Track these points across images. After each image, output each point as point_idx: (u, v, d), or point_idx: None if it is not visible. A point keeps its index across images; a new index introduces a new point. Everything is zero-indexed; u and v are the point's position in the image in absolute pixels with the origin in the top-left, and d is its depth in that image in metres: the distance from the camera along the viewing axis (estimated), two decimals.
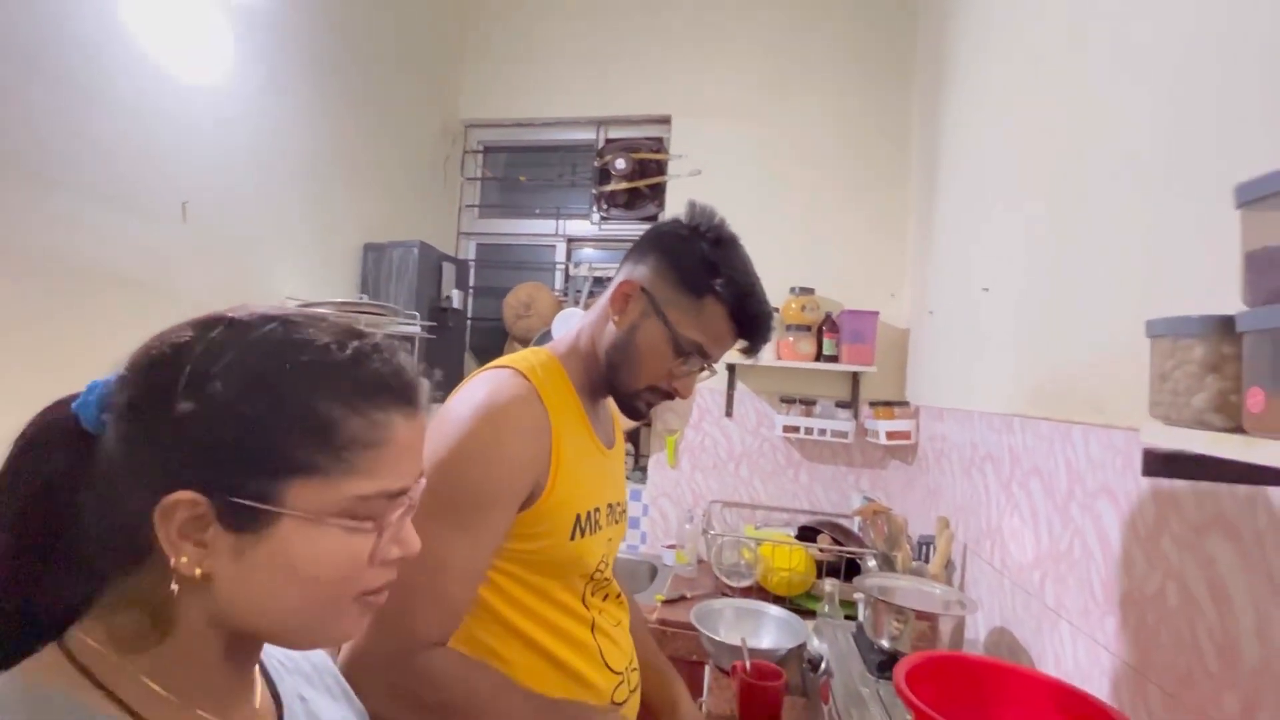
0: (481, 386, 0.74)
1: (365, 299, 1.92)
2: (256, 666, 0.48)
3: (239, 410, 0.38)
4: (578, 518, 0.77)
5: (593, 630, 0.81)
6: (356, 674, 0.63)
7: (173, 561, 0.38)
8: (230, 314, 0.42)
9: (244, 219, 1.58)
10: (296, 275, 1.79)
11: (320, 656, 0.58)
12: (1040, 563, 1.00)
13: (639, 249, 0.85)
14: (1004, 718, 0.76)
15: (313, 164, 1.83)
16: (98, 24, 1.21)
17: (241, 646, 0.43)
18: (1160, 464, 0.49)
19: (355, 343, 0.42)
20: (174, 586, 0.38)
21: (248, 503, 0.38)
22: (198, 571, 0.38)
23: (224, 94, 1.51)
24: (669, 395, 0.84)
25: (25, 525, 0.39)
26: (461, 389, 0.78)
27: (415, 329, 1.95)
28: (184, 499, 0.37)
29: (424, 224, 2.41)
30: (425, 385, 0.46)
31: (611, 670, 0.82)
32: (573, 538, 0.76)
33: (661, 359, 0.81)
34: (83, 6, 1.18)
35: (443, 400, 0.76)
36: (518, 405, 0.73)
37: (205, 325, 0.41)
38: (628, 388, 0.83)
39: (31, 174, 1.11)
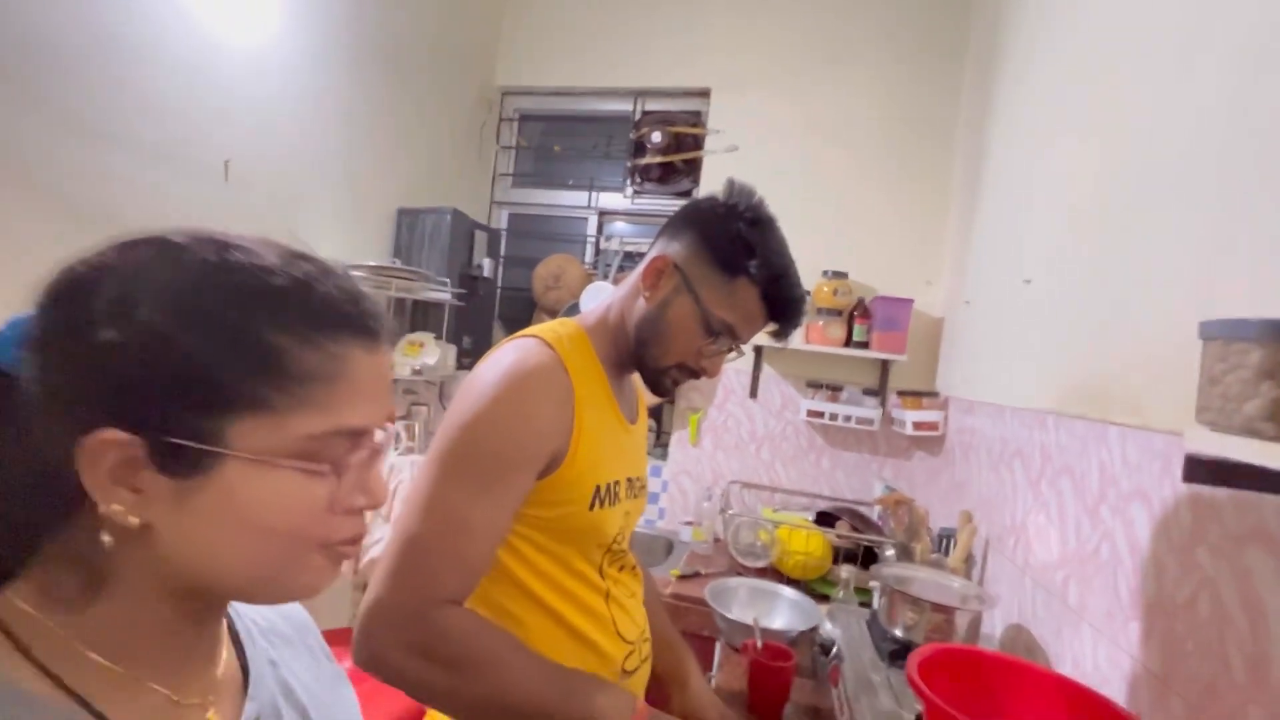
0: (508, 354, 0.75)
1: (398, 264, 1.94)
2: (223, 630, 0.44)
3: (171, 338, 0.33)
4: (597, 489, 0.78)
5: (606, 599, 0.82)
6: (373, 626, 0.65)
7: (102, 509, 0.34)
8: (159, 233, 0.37)
9: (283, 180, 1.61)
10: (332, 238, 1.82)
11: (302, 617, 0.55)
12: (1065, 563, 0.98)
13: (674, 225, 0.84)
14: (1016, 715, 0.75)
15: (351, 128, 1.84)
16: None
17: (194, 607, 0.39)
18: (1203, 471, 0.47)
19: (306, 265, 0.38)
20: (105, 538, 0.34)
21: (186, 443, 0.33)
22: (134, 521, 0.34)
23: (268, 56, 1.53)
24: (696, 374, 0.84)
25: None
26: (488, 357, 0.78)
27: (446, 295, 1.97)
28: (110, 438, 0.33)
29: (457, 191, 2.42)
30: (386, 317, 0.42)
31: (623, 639, 0.83)
32: (591, 508, 0.77)
33: (691, 337, 0.80)
34: None
35: (468, 367, 0.76)
36: (542, 372, 0.73)
37: (130, 245, 0.36)
38: (656, 364, 0.83)
39: (81, 129, 1.14)
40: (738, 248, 0.78)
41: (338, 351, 0.37)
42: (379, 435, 0.41)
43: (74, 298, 0.35)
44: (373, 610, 0.66)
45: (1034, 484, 1.14)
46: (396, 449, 1.84)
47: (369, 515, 0.44)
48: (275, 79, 1.56)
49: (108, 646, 0.36)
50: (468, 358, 2.14)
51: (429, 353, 1.92)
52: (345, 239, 1.87)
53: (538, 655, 0.71)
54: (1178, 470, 0.72)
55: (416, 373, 1.88)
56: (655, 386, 0.86)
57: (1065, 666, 0.93)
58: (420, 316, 2.09)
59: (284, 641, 0.51)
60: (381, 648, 0.65)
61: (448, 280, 2.00)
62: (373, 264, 1.79)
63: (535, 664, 0.70)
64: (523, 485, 0.72)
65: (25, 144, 1.06)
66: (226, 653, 0.45)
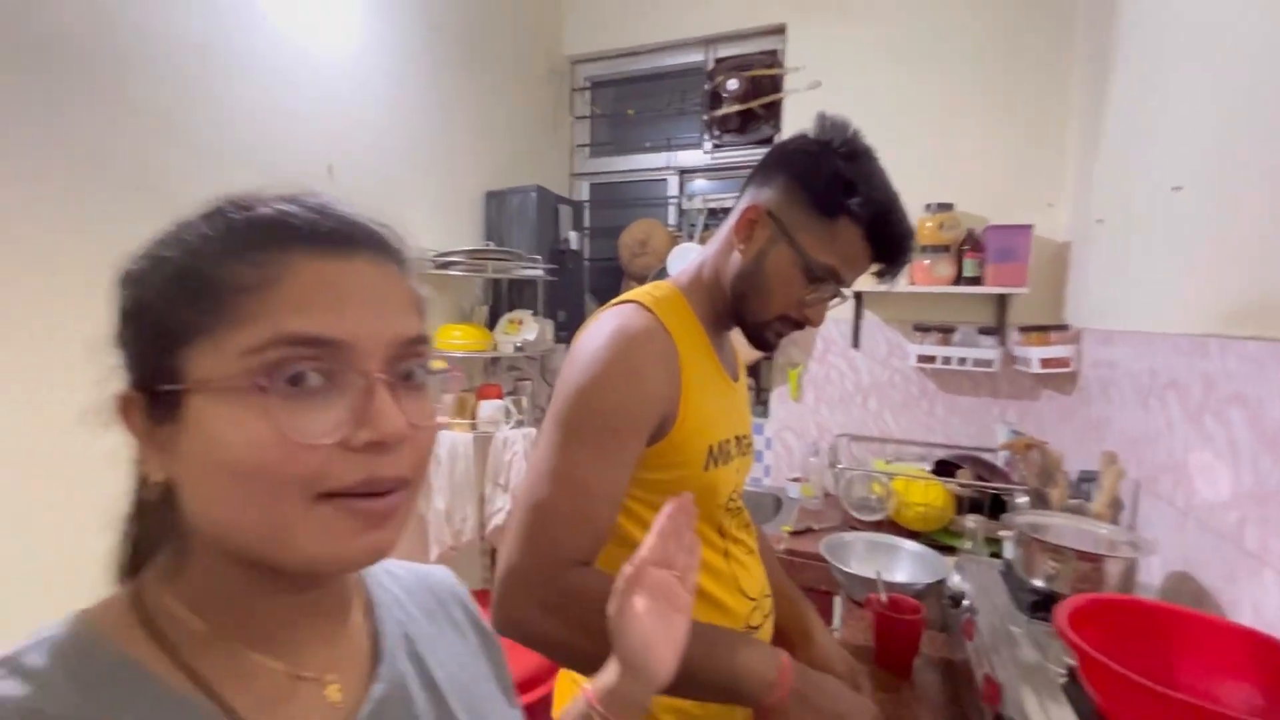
0: (610, 320, 0.75)
1: (491, 245, 2.01)
2: (346, 600, 0.42)
3: (136, 287, 0.35)
4: (710, 448, 0.78)
5: (726, 557, 0.83)
6: (510, 590, 0.69)
7: (140, 469, 0.36)
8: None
9: (380, 177, 1.70)
10: (429, 227, 1.91)
11: (448, 584, 0.54)
12: (1239, 503, 0.87)
13: (763, 170, 0.81)
14: (1186, 668, 0.69)
15: (434, 119, 1.91)
16: (252, 12, 1.33)
17: (261, 573, 0.36)
18: None
19: (270, 201, 0.36)
20: (145, 496, 0.37)
21: (161, 387, 0.34)
22: (159, 476, 0.35)
23: (356, 62, 1.61)
24: (800, 325, 0.81)
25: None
26: (588, 326, 0.79)
27: (538, 272, 2.02)
28: (121, 395, 0.35)
29: (539, 168, 2.45)
30: (372, 226, 0.38)
31: (747, 596, 0.83)
32: (706, 468, 0.77)
33: (792, 286, 0.77)
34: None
35: (566, 340, 0.77)
36: (645, 336, 0.73)
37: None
38: (757, 318, 0.80)
39: (199, 148, 1.25)
40: (836, 185, 0.74)
41: (267, 259, 0.34)
42: (376, 357, 0.35)
43: (117, 284, 0.37)
44: (506, 576, 0.69)
45: (1194, 417, 1.01)
46: (508, 423, 1.93)
47: (408, 460, 0.36)
48: (364, 84, 1.64)
49: (208, 613, 0.36)
50: (564, 331, 2.19)
51: (528, 329, 1.98)
52: (441, 226, 1.96)
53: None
54: None
55: (519, 349, 1.96)
56: (758, 341, 0.83)
57: (1242, 616, 0.83)
58: (516, 295, 2.16)
59: (426, 615, 0.49)
60: (518, 610, 0.68)
61: (538, 257, 2.05)
62: (468, 248, 1.87)
63: None
64: (636, 448, 0.73)
65: (150, 164, 1.18)
66: (361, 624, 0.43)
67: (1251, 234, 0.90)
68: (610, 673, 0.53)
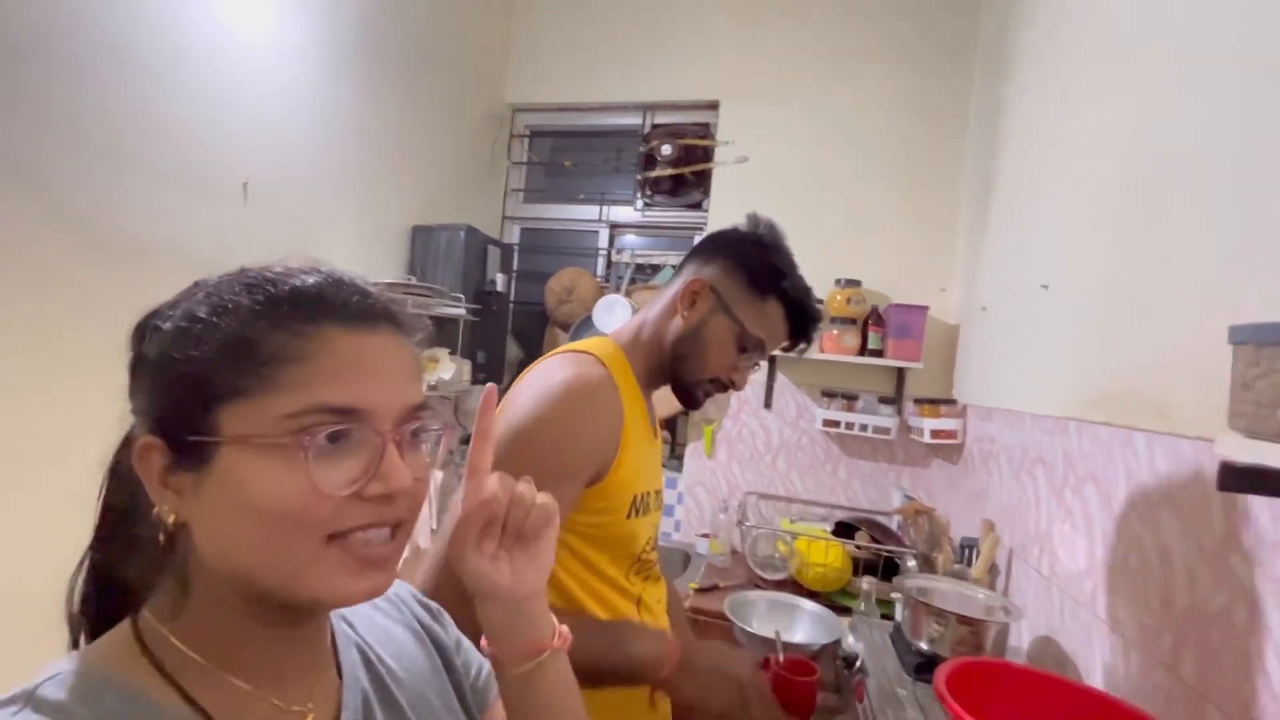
0: (566, 366, 0.79)
1: (413, 280, 1.96)
2: (326, 634, 0.46)
3: (175, 347, 0.38)
4: (634, 498, 0.82)
5: (638, 606, 0.85)
6: None
7: (156, 511, 0.38)
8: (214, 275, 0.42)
9: (299, 200, 1.63)
10: (348, 256, 1.84)
11: (407, 596, 0.56)
12: (1093, 572, 0.96)
13: (705, 251, 0.92)
14: None
15: (365, 148, 1.87)
16: (167, 8, 1.26)
17: (264, 609, 0.40)
18: (1238, 478, 0.46)
19: (299, 270, 0.41)
20: (161, 538, 0.39)
21: (191, 438, 0.37)
22: (175, 519, 0.38)
23: (283, 77, 1.56)
24: (725, 387, 0.90)
25: (109, 504, 0.43)
26: (537, 368, 0.83)
27: (460, 311, 1.99)
28: (145, 443, 0.38)
29: (470, 207, 2.44)
30: (391, 305, 0.43)
31: None
32: (629, 516, 0.81)
33: (726, 352, 0.87)
34: None
35: (483, 382, 0.77)
36: (600, 387, 0.79)
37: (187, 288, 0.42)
38: (692, 378, 0.89)
39: (103, 154, 1.16)
40: (770, 271, 0.87)
41: (307, 330, 0.39)
42: (388, 421, 0.40)
43: (138, 329, 0.41)
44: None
45: (1057, 492, 1.12)
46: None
47: (404, 507, 0.41)
48: (290, 100, 1.58)
49: (196, 641, 0.39)
50: (482, 372, 2.15)
51: (444, 368, 1.93)
52: (361, 257, 1.89)
53: (573, 612, 0.76)
54: (1208, 477, 0.70)
55: (432, 388, 1.90)
56: (688, 399, 0.91)
57: (1095, 679, 0.91)
58: (435, 332, 2.11)
59: (385, 634, 0.51)
60: None
61: (462, 296, 2.02)
62: (388, 281, 1.81)
63: (575, 621, 0.70)
64: (573, 494, 0.76)
65: (45, 168, 1.08)
66: (329, 653, 0.46)
67: (1104, 331, 1.03)
68: (480, 609, 0.50)
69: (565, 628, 0.52)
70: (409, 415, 0.42)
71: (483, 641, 0.51)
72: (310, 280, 0.41)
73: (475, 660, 0.57)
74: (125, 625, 0.40)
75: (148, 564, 0.41)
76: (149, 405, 0.39)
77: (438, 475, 1.82)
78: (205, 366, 0.38)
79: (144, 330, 0.41)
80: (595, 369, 0.81)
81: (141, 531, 0.41)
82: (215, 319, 0.38)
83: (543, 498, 0.49)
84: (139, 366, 0.40)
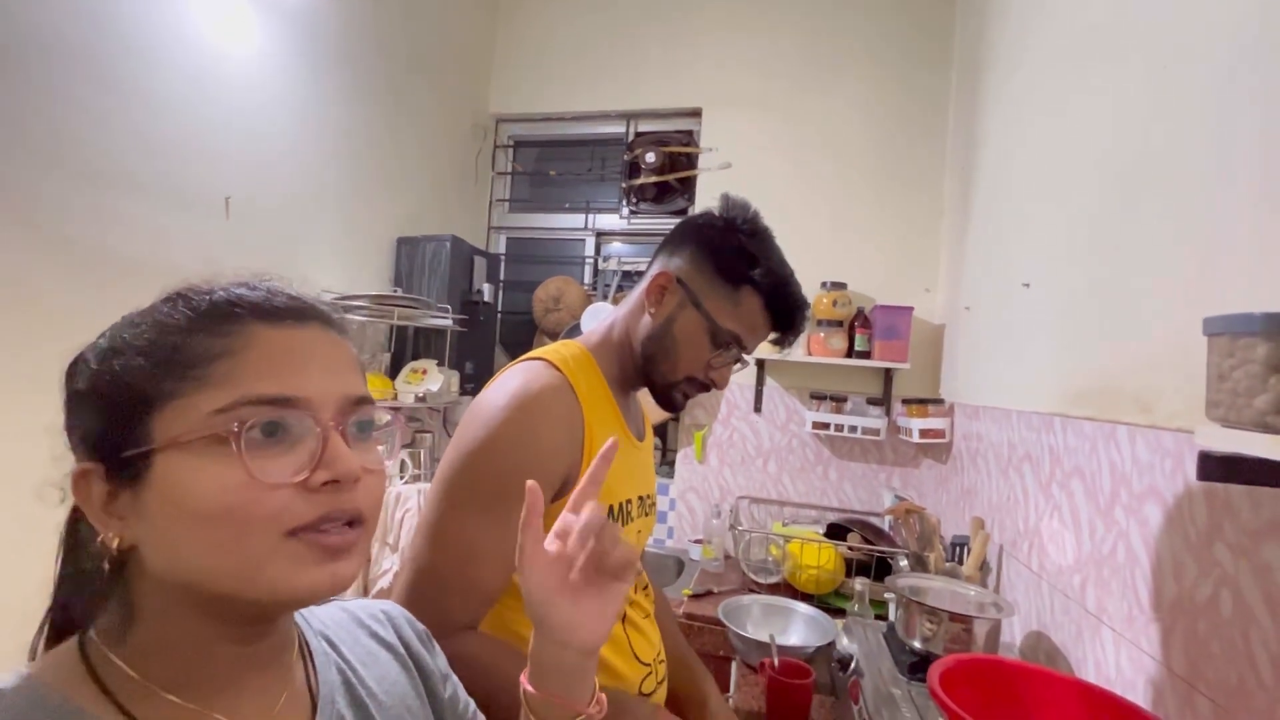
0: (514, 377, 0.75)
1: (399, 292, 1.95)
2: (290, 651, 0.45)
3: (102, 366, 0.39)
4: (610, 509, 0.78)
5: (622, 621, 0.81)
6: None
7: (101, 537, 0.38)
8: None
9: (282, 214, 1.62)
10: (332, 269, 1.83)
11: (387, 614, 0.55)
12: (1081, 566, 0.97)
13: (673, 241, 0.85)
14: None
15: (348, 160, 1.86)
16: (145, 23, 1.25)
17: (224, 623, 0.39)
18: (1217, 468, 0.47)
19: (227, 284, 0.42)
20: (105, 565, 0.38)
21: (126, 453, 0.37)
22: (121, 543, 0.38)
23: (265, 90, 1.55)
24: (705, 386, 0.84)
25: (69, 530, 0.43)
26: (493, 382, 0.78)
27: (447, 322, 1.98)
28: (81, 469, 0.38)
29: (456, 218, 2.44)
30: (320, 304, 0.44)
31: (640, 661, 0.82)
32: None
33: (699, 349, 0.81)
34: (132, 6, 1.22)
35: (472, 393, 0.76)
36: (550, 394, 0.73)
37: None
38: (665, 379, 0.83)
39: (83, 171, 1.15)
40: (740, 258, 0.80)
41: (233, 330, 0.39)
42: (328, 410, 0.40)
43: (66, 374, 0.41)
44: None
45: (1045, 487, 1.13)
46: (403, 476, 1.83)
47: (361, 499, 0.41)
48: (272, 114, 1.58)
49: (159, 674, 0.38)
50: (470, 383, 2.14)
51: (432, 379, 1.92)
52: (345, 270, 1.88)
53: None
54: (1190, 467, 0.71)
55: (420, 400, 1.88)
56: (665, 401, 0.86)
57: (1087, 672, 0.92)
58: (423, 344, 2.10)
59: (366, 654, 0.51)
60: None
61: (449, 307, 2.01)
62: (373, 293, 1.80)
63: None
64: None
65: (24, 185, 1.07)
66: (299, 673, 0.45)
67: (1085, 327, 1.04)
68: (535, 644, 0.50)
69: (604, 695, 0.50)
70: (351, 406, 0.41)
71: (523, 679, 0.50)
72: (234, 288, 0.41)
73: (463, 698, 0.56)
74: (71, 643, 0.39)
75: (92, 593, 0.40)
76: (83, 431, 0.39)
77: (399, 484, 1.80)
78: (131, 375, 0.37)
79: (74, 369, 0.40)
80: (545, 377, 0.75)
81: (84, 564, 0.40)
82: (140, 332, 0.39)
83: (628, 544, 0.49)
84: (71, 401, 0.40)
